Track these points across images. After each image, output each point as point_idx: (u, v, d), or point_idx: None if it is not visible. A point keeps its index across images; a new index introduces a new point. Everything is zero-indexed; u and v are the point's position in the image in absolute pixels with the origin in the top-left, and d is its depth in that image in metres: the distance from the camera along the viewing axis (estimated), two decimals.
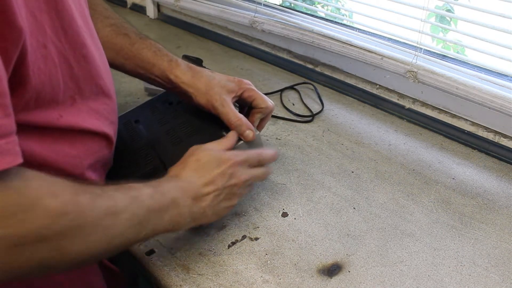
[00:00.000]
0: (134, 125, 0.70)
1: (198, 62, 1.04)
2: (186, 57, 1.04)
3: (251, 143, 0.62)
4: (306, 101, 0.95)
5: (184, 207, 0.50)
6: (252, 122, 0.64)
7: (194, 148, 0.56)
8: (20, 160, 0.33)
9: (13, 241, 0.32)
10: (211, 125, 0.65)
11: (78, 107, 0.46)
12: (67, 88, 0.44)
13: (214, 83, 0.62)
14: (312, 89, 1.00)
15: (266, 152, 0.61)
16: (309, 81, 1.03)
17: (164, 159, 0.62)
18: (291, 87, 1.01)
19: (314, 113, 0.91)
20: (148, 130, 0.68)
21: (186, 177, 0.53)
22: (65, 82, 0.44)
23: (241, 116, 0.61)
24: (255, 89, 0.65)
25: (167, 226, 0.49)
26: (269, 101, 0.66)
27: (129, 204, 0.43)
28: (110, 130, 0.54)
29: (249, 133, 0.60)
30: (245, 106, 0.67)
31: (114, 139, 0.56)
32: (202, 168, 0.54)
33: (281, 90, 0.99)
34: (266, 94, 0.97)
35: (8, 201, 0.32)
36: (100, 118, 0.51)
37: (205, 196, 0.53)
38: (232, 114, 0.60)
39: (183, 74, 0.63)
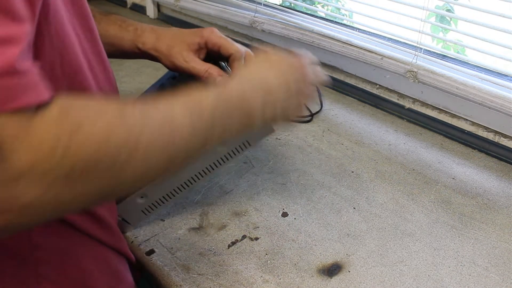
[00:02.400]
0: None
1: None
2: None
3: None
4: None
5: (255, 101, 0.44)
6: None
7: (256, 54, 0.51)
8: (48, 93, 0.30)
9: (63, 173, 0.30)
10: None
11: None
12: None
13: (176, 41, 0.59)
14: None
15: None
16: None
17: None
18: None
19: (313, 112, 0.91)
20: None
21: (252, 70, 0.47)
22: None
23: (209, 65, 0.57)
24: (220, 35, 0.60)
25: (239, 127, 0.43)
26: (238, 45, 0.60)
27: (190, 115, 0.38)
28: None
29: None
30: (218, 58, 0.61)
31: None
32: (270, 61, 0.48)
33: None
34: None
35: (48, 134, 0.30)
36: None
37: (277, 87, 0.46)
38: (199, 67, 0.57)
39: (148, 39, 0.60)
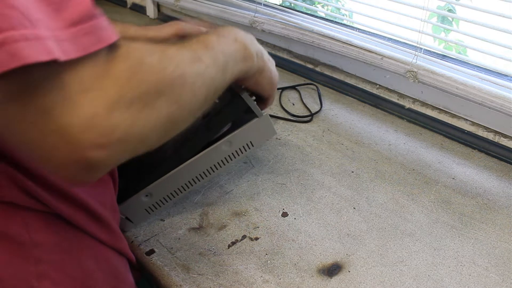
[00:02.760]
0: None
1: None
2: None
3: (259, 124, 0.63)
4: (306, 101, 0.95)
5: (246, 41, 0.52)
6: None
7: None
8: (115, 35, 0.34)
9: (143, 100, 0.34)
10: None
11: None
12: None
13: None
14: (314, 89, 1.00)
15: None
16: (311, 82, 1.03)
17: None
18: (292, 87, 1.01)
19: (313, 112, 0.91)
20: None
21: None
22: None
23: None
24: (181, 22, 0.65)
25: (242, 67, 0.51)
26: (199, 26, 0.65)
27: (206, 51, 0.44)
28: None
29: None
30: None
31: None
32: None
33: (282, 89, 0.99)
34: None
35: (120, 67, 0.33)
36: None
37: (254, 45, 0.55)
38: (171, 27, 0.64)
39: (136, 32, 0.64)
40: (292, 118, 0.89)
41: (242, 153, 0.64)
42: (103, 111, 0.32)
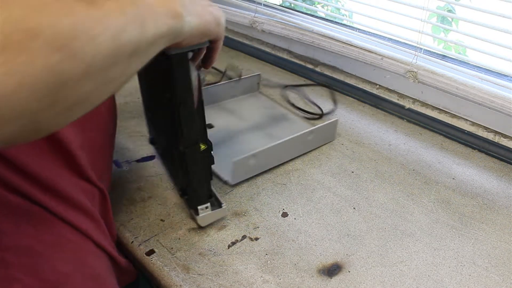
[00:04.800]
0: None
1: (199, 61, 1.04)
2: None
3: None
4: (316, 101, 0.95)
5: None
6: None
7: None
8: None
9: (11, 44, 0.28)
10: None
11: None
12: None
13: None
14: (313, 90, 1.00)
15: None
16: (318, 83, 1.03)
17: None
18: (294, 86, 1.01)
19: (324, 112, 0.91)
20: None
21: None
22: None
23: None
24: None
25: (168, 21, 0.42)
26: None
27: (117, 8, 0.37)
28: None
29: None
30: None
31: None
32: None
33: (285, 87, 0.99)
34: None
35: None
36: None
37: None
38: None
39: None
40: (306, 116, 0.90)
41: (312, 147, 0.79)
42: None
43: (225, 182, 0.71)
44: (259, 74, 0.96)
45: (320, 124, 0.78)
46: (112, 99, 0.58)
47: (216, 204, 0.63)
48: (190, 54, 0.54)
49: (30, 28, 0.29)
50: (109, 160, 0.61)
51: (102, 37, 0.34)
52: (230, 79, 0.95)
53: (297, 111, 0.90)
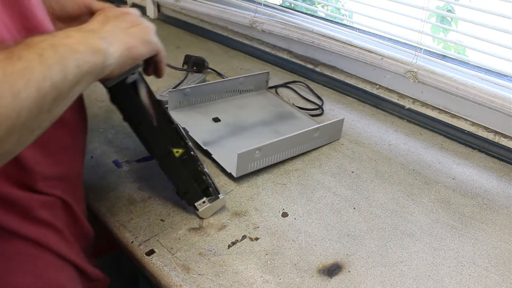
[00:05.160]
0: None
1: (201, 61, 1.04)
2: (188, 57, 1.04)
3: None
4: (308, 97, 0.95)
5: (89, 33, 0.44)
6: None
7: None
8: None
9: None
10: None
11: None
12: None
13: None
14: (305, 87, 1.00)
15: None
16: (302, 80, 1.04)
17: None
18: (284, 85, 1.01)
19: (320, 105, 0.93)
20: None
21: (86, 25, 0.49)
22: None
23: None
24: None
25: (89, 58, 0.41)
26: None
27: (27, 49, 0.37)
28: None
29: None
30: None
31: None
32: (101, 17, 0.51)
33: (275, 87, 0.99)
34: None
35: None
36: None
37: (102, 25, 0.48)
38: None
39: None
40: (311, 113, 0.91)
41: (318, 145, 0.80)
42: None
43: (230, 175, 0.71)
44: (267, 72, 0.96)
45: (326, 122, 0.79)
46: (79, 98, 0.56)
47: (215, 194, 0.63)
48: (134, 77, 0.55)
49: None
50: (77, 157, 0.57)
51: (26, 91, 0.33)
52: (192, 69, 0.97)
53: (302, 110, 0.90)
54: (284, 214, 0.66)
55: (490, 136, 0.82)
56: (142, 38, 0.52)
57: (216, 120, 0.84)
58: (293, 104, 0.93)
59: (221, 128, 0.82)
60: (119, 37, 0.48)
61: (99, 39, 0.44)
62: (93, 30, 0.46)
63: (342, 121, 0.81)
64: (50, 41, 0.38)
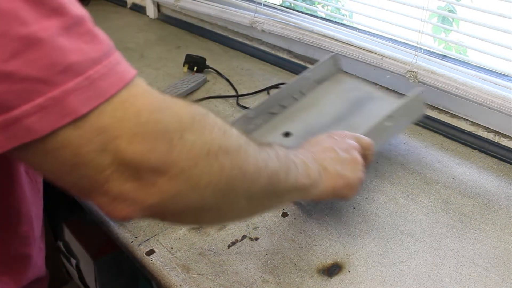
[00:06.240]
0: None
1: (201, 61, 1.04)
2: (189, 57, 1.04)
3: None
4: None
5: (307, 158, 0.52)
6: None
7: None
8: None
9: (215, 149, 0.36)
10: None
11: None
12: None
13: None
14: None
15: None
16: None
17: None
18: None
19: None
20: None
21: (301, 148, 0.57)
22: None
23: None
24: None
25: (304, 180, 0.50)
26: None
27: (273, 154, 0.45)
28: None
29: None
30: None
31: None
32: (317, 140, 0.59)
33: (268, 89, 0.99)
34: (254, 92, 0.98)
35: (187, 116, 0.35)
36: None
37: (322, 154, 0.56)
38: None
39: None
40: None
41: (399, 130, 0.76)
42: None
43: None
44: (335, 55, 0.86)
45: (400, 102, 0.71)
46: None
47: None
48: None
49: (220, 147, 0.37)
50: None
51: (264, 171, 0.42)
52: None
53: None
54: (284, 214, 0.66)
55: (490, 136, 0.82)
56: (350, 183, 0.57)
57: (287, 134, 0.76)
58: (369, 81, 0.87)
59: (292, 143, 0.73)
60: (333, 174, 0.55)
61: (317, 173, 0.53)
62: (314, 156, 0.55)
63: (421, 96, 0.73)
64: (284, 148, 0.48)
